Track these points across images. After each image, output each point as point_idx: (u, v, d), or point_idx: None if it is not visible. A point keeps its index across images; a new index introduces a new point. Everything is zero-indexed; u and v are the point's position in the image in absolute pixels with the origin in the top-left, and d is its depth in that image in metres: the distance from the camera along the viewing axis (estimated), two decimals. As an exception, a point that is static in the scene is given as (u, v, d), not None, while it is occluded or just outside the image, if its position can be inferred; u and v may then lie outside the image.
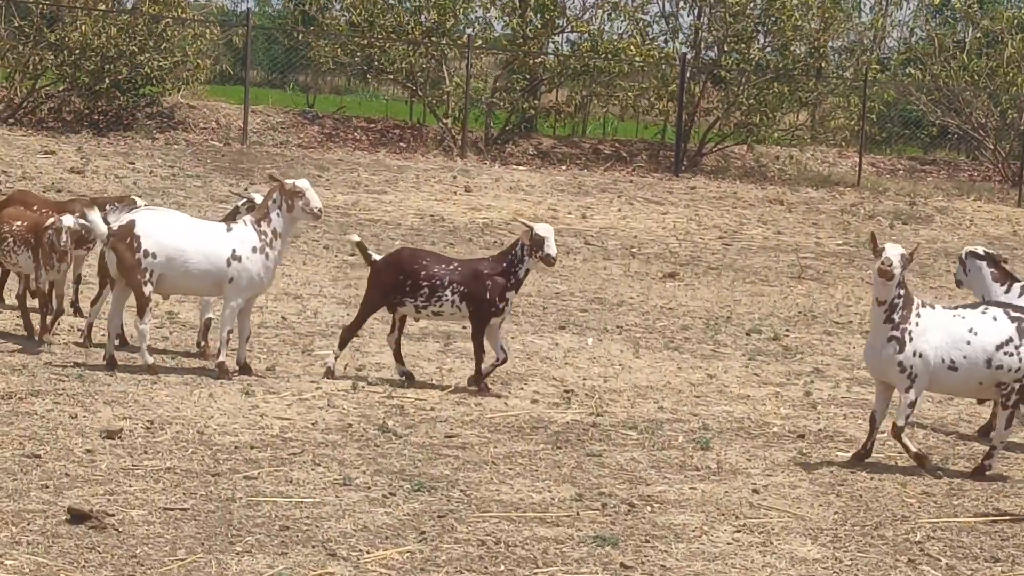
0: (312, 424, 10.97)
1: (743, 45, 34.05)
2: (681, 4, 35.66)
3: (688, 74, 34.06)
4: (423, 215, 25.11)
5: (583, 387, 13.09)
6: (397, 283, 12.56)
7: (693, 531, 8.83)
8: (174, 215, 12.66)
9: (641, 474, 10.16)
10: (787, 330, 17.06)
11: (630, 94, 34.50)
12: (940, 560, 8.61)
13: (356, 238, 13.24)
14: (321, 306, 16.38)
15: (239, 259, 12.25)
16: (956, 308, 10.88)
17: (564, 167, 32.09)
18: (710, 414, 12.30)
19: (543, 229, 12.42)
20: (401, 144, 32.66)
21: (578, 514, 9.04)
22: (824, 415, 12.64)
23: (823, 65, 35.43)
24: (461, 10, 33.92)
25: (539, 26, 34.16)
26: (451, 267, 12.63)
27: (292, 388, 12.15)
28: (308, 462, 9.86)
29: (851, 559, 8.50)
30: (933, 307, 10.75)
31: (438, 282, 12.46)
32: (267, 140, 31.08)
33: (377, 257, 12.92)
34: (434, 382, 12.89)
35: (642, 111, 35.77)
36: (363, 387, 12.36)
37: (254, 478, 9.36)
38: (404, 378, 12.72)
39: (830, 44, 35.69)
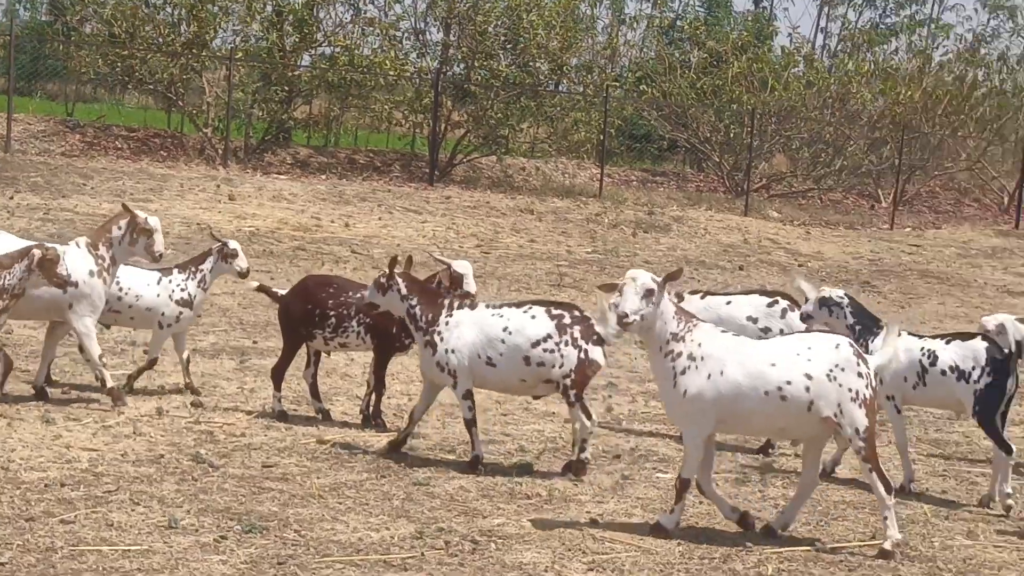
0: (122, 456, 9.64)
1: (490, 61, 33.28)
2: (431, 21, 34.84)
3: (439, 88, 33.19)
4: (190, 223, 23.60)
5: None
6: (305, 314, 11.12)
7: None
8: None
9: (473, 504, 9.14)
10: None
11: (385, 107, 33.49)
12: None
13: (255, 284, 12.02)
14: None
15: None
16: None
17: (323, 176, 30.86)
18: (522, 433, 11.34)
19: (461, 266, 11.03)
20: (162, 153, 31.01)
21: (423, 555, 7.99)
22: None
23: (564, 81, 34.98)
24: (220, 23, 32.40)
25: (296, 40, 32.89)
26: (359, 296, 11.04)
27: (94, 416, 10.78)
28: (126, 501, 8.54)
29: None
30: None
31: (345, 311, 11.05)
32: (30, 148, 29.09)
33: (282, 292, 11.54)
34: (238, 405, 11.63)
35: (395, 123, 34.77)
36: (167, 412, 11.04)
37: (72, 522, 8.04)
38: (321, 415, 11.26)
39: (571, 62, 35.20)
